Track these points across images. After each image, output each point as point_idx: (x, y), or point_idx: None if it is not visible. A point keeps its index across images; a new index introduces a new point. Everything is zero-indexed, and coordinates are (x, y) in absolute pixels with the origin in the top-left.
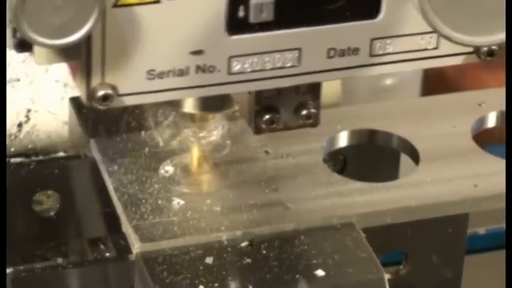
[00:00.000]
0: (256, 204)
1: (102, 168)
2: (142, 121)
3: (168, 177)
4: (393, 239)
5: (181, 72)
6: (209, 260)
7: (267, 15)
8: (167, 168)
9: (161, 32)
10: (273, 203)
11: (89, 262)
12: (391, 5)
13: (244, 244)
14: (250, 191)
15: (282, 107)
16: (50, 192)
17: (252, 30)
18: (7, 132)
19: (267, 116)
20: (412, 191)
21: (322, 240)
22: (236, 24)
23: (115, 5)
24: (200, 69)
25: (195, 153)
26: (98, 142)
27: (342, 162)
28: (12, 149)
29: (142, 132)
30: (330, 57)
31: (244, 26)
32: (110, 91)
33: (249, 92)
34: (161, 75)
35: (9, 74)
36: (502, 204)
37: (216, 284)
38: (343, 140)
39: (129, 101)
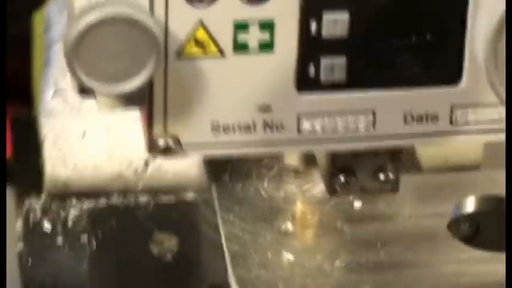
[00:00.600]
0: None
1: (218, 215)
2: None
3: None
4: None
5: (248, 127)
6: None
7: (339, 75)
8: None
9: (226, 85)
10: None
11: None
12: (473, 71)
13: None
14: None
15: (358, 169)
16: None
17: (322, 89)
18: (133, 167)
19: (342, 178)
20: None
21: None
22: (306, 82)
23: (178, 57)
24: (268, 126)
25: (304, 207)
26: (218, 187)
27: (473, 229)
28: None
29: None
30: (406, 122)
31: (315, 85)
32: (171, 142)
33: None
34: (226, 129)
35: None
36: None
37: None
38: (470, 205)
39: (193, 153)
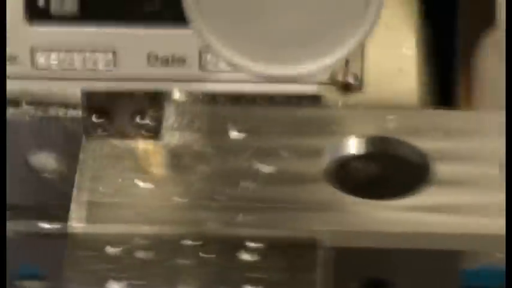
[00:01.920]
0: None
1: None
2: None
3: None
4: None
5: None
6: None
7: (70, 6)
8: None
9: None
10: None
11: None
12: None
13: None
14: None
15: (114, 111)
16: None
17: (54, 21)
18: None
19: (94, 119)
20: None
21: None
22: (35, 12)
23: None
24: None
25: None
26: None
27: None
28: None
29: None
30: (150, 64)
31: (46, 16)
32: None
33: None
34: None
35: None
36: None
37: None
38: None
39: None
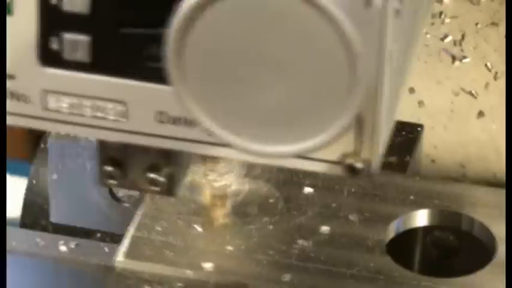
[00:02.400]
0: None
1: None
2: None
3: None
4: None
5: None
6: None
7: (82, 55)
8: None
9: None
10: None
11: None
12: None
13: None
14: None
15: (129, 163)
16: None
17: (66, 66)
18: None
19: (108, 169)
20: None
21: None
22: (49, 55)
23: None
24: (13, 95)
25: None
26: None
27: None
28: None
29: None
30: (160, 121)
31: (58, 60)
32: None
33: None
34: None
35: None
36: None
37: None
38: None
39: None
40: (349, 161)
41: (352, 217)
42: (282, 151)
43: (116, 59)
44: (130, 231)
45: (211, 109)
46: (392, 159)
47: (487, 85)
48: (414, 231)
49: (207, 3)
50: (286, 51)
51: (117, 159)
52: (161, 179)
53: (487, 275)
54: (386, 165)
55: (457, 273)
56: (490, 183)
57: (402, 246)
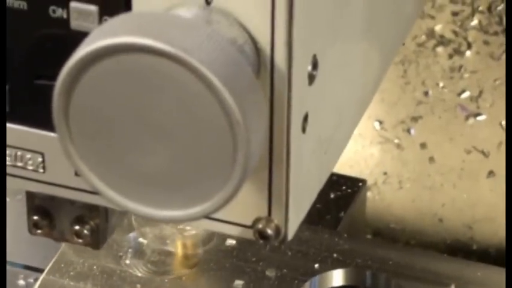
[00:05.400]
0: None
1: None
2: None
3: None
4: None
5: None
6: None
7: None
8: None
9: None
10: None
11: None
12: None
13: None
14: None
15: (57, 215)
16: None
17: None
18: None
19: (36, 218)
20: None
21: None
22: None
23: None
24: None
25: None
26: None
27: None
28: None
29: None
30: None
31: None
32: None
33: None
34: None
35: None
36: None
37: None
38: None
39: None
40: (260, 226)
41: (269, 272)
42: (172, 216)
43: (32, 110)
44: None
45: (98, 168)
46: (327, 214)
47: (499, 144)
48: None
49: (90, 61)
50: (167, 117)
51: (46, 209)
52: (85, 231)
53: None
54: (319, 220)
55: None
56: (497, 248)
57: None
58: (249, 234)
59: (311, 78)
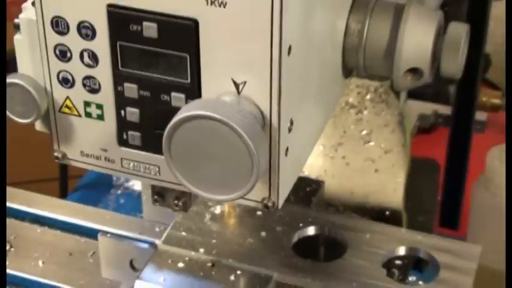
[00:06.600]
0: None
1: None
2: None
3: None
4: None
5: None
6: None
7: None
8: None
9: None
10: None
11: None
12: None
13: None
14: None
15: (166, 195)
16: None
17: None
18: None
19: (157, 198)
20: None
21: None
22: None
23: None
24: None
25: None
26: None
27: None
28: None
29: None
30: None
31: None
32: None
33: None
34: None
35: None
36: None
37: None
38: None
39: None
40: (265, 201)
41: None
42: (224, 198)
43: (154, 144)
44: None
45: (185, 174)
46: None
47: None
48: None
49: (181, 122)
50: (218, 150)
51: (161, 193)
52: (180, 203)
53: None
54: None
55: None
56: None
57: None
58: (259, 205)
59: (289, 129)
